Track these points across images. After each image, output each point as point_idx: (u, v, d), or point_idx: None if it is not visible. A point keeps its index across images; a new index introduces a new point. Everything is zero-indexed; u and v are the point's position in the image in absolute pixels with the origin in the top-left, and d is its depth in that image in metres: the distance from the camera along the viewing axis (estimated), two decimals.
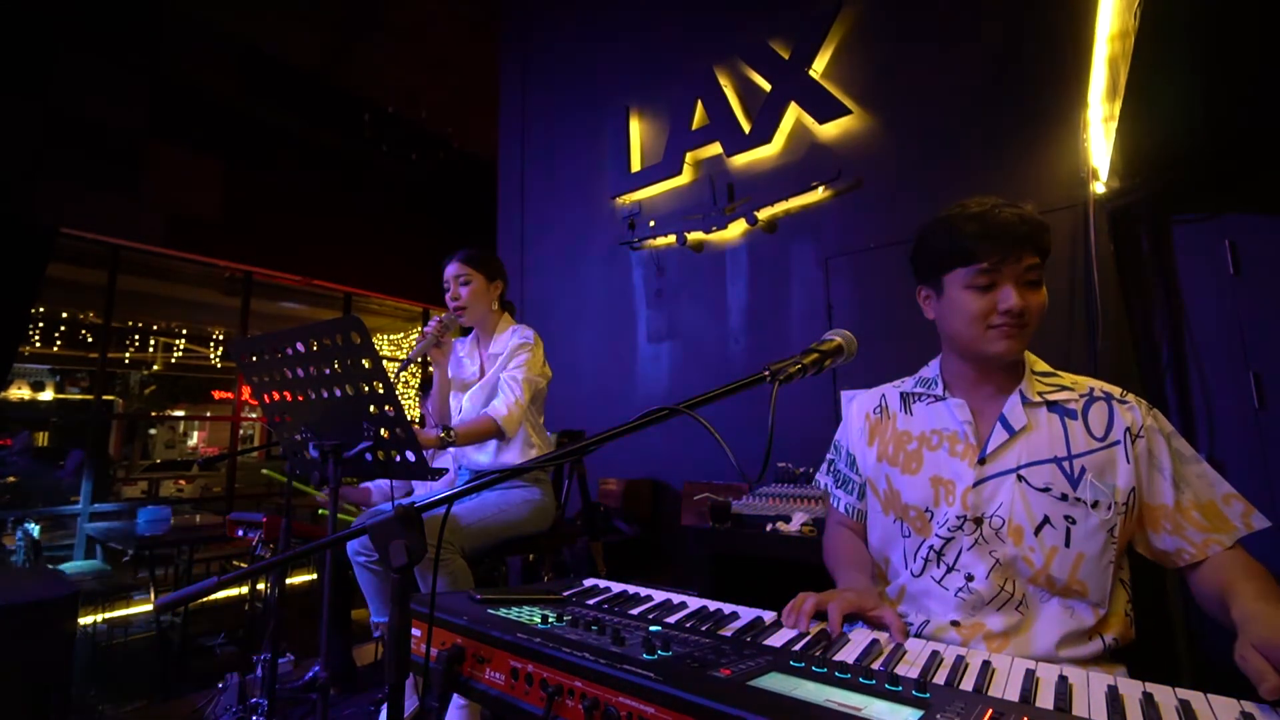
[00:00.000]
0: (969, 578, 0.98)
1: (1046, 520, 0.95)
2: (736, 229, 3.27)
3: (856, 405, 1.23)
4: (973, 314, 0.98)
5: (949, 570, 1.00)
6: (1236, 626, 0.76)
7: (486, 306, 2.13)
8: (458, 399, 2.14)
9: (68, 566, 4.04)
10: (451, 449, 2.22)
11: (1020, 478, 0.97)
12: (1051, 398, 1.01)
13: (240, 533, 2.42)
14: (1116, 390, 1.02)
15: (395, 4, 5.46)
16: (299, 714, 2.19)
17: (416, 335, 1.96)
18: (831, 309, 2.90)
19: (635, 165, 3.74)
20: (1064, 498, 0.94)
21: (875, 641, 0.82)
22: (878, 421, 1.17)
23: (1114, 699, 0.64)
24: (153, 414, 11.26)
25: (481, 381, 2.09)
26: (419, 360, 1.95)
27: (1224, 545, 0.90)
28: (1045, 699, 0.65)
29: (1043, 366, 1.07)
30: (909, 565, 1.05)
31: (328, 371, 1.43)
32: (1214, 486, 0.94)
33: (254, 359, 1.54)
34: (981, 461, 1.00)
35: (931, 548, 1.02)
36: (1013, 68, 2.49)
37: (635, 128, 3.79)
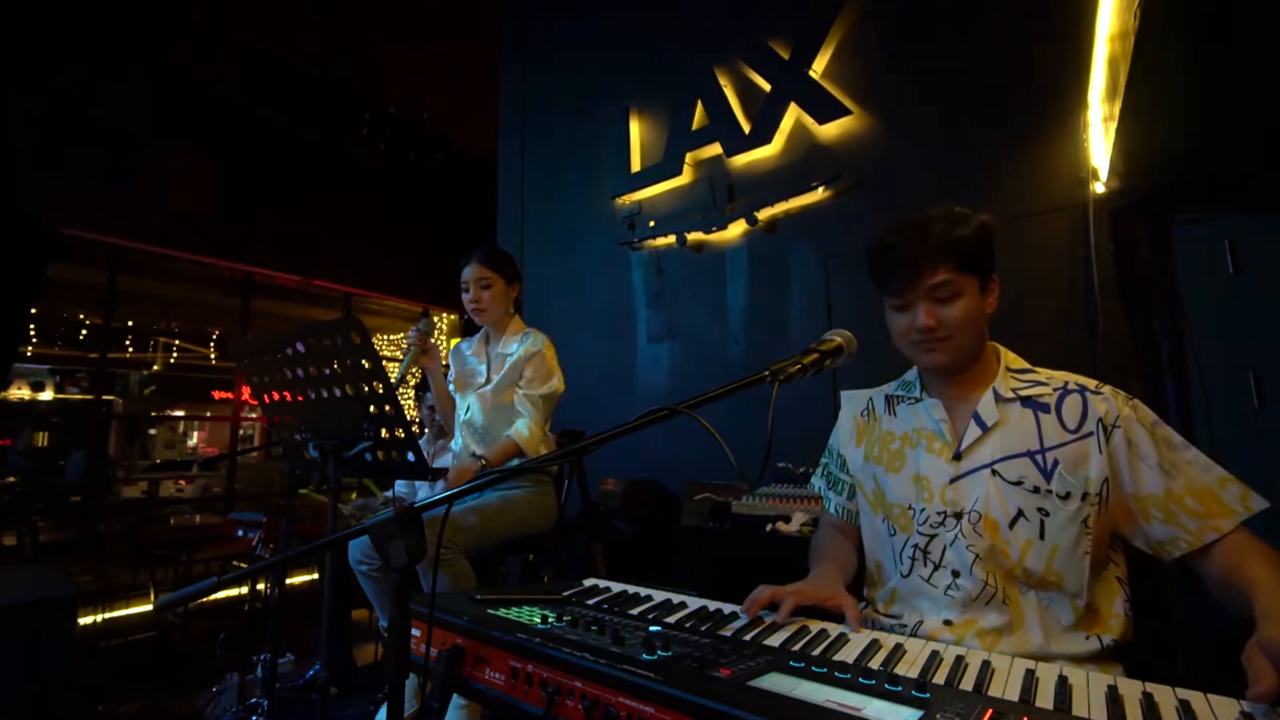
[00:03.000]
0: (955, 574, 0.99)
1: (1020, 513, 0.96)
2: (736, 229, 3.27)
3: (847, 408, 1.26)
4: (898, 332, 1.06)
5: (936, 568, 1.01)
6: (1257, 621, 0.74)
7: (504, 309, 2.13)
8: (464, 399, 2.14)
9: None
10: (453, 448, 2.22)
11: (995, 472, 0.99)
12: (1025, 393, 1.02)
13: (240, 533, 2.42)
14: (1091, 383, 1.02)
15: (395, 4, 5.46)
16: (299, 714, 2.19)
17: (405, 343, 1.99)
18: (831, 309, 2.90)
19: (635, 165, 3.74)
20: (1036, 490, 0.95)
21: (875, 641, 0.82)
22: (865, 424, 1.20)
23: (1114, 699, 0.64)
24: (153, 414, 11.25)
25: (493, 385, 2.08)
26: (413, 371, 1.95)
27: (1221, 531, 0.89)
28: (1045, 699, 0.65)
29: (1019, 363, 1.08)
30: (898, 566, 1.06)
31: (327, 372, 1.43)
32: (1207, 471, 0.93)
33: (253, 359, 1.54)
34: (957, 458, 1.02)
35: (916, 546, 1.03)
36: (1013, 68, 2.49)
37: (635, 128, 3.79)
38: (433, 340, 2.07)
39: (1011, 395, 1.02)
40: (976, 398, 1.04)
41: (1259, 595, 0.78)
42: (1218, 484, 0.92)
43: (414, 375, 2.11)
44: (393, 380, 2.02)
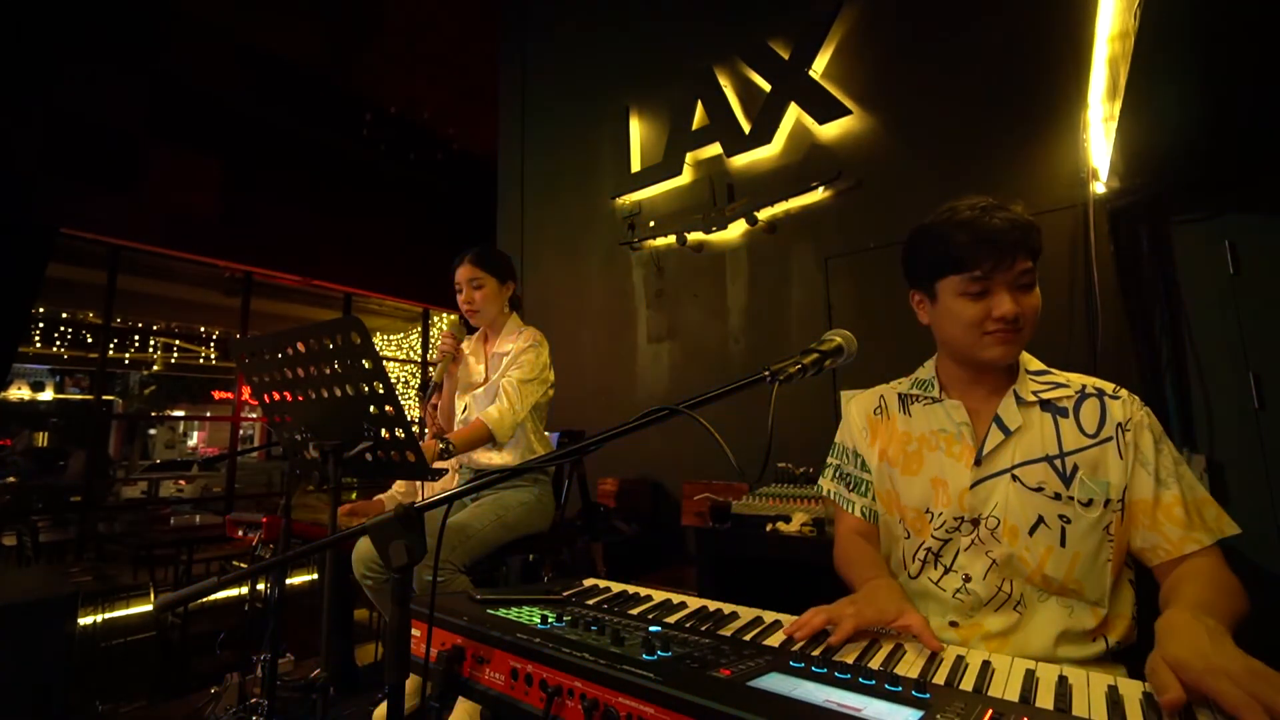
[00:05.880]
0: (966, 579, 0.98)
1: (1041, 520, 0.94)
2: (736, 229, 3.27)
3: (856, 406, 1.22)
4: (968, 321, 0.98)
5: (946, 571, 1.00)
6: (1157, 634, 0.71)
7: (499, 309, 2.13)
8: (461, 399, 2.14)
9: None
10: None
11: (1014, 477, 0.97)
12: (1045, 396, 1.01)
13: (240, 533, 2.42)
14: (1109, 386, 1.01)
15: (395, 4, 5.46)
16: (299, 714, 2.19)
17: (417, 336, 1.98)
18: (831, 309, 2.90)
19: (635, 165, 3.74)
20: (1057, 496, 0.94)
21: (875, 641, 0.82)
22: (879, 422, 1.17)
23: (1114, 699, 0.64)
24: (153, 414, 11.25)
25: (487, 385, 2.08)
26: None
27: (1201, 544, 0.89)
28: (1045, 699, 0.64)
29: (1037, 365, 1.07)
30: (907, 566, 1.05)
31: (328, 372, 1.43)
32: (1193, 490, 0.94)
33: (254, 359, 1.54)
34: (978, 463, 1.01)
35: (929, 549, 1.02)
36: (1013, 68, 2.49)
37: (635, 128, 3.79)
38: (463, 344, 2.05)
39: (1032, 399, 1.01)
40: (997, 400, 1.03)
41: (1173, 607, 0.78)
42: (1200, 504, 0.93)
43: (413, 376, 2.11)
44: (431, 386, 2.02)
